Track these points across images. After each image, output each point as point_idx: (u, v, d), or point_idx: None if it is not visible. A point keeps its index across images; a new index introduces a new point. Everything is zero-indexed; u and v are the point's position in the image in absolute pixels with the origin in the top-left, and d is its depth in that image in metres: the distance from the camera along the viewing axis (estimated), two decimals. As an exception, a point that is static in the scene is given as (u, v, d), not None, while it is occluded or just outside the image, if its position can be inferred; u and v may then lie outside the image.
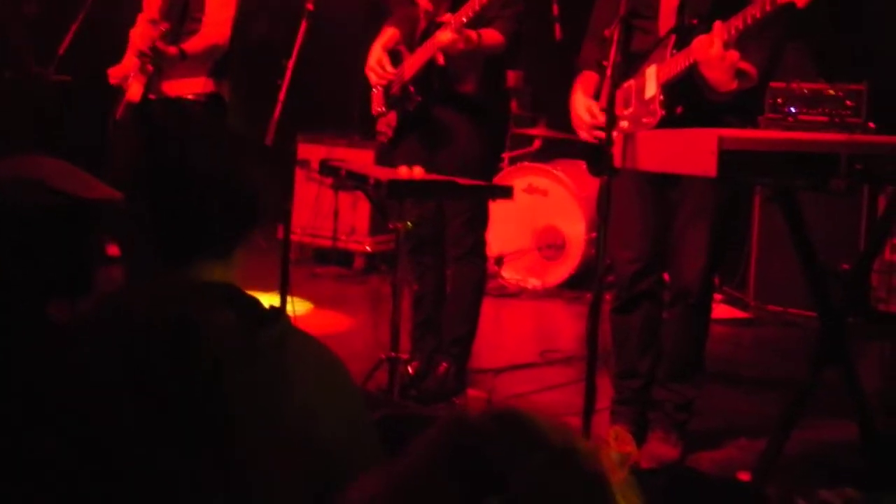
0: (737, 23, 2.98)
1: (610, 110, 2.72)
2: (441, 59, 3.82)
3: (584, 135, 3.39)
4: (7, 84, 5.21)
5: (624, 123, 3.20)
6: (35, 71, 4.21)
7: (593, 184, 4.46)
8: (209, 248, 1.60)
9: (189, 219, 1.60)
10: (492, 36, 3.80)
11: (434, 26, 3.81)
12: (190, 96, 4.47)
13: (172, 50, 4.37)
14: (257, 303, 1.55)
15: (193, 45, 4.43)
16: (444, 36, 3.66)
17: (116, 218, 1.73)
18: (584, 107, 3.41)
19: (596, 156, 3.10)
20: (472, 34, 3.68)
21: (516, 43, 3.91)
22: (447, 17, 3.69)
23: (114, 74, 4.58)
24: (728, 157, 2.42)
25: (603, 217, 2.64)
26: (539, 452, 1.01)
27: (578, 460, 1.02)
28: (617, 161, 2.76)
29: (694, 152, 2.50)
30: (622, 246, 3.45)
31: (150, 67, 4.44)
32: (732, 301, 5.75)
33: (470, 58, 3.79)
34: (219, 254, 1.61)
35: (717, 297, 5.42)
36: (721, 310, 5.46)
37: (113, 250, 1.76)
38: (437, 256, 4.12)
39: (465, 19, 3.60)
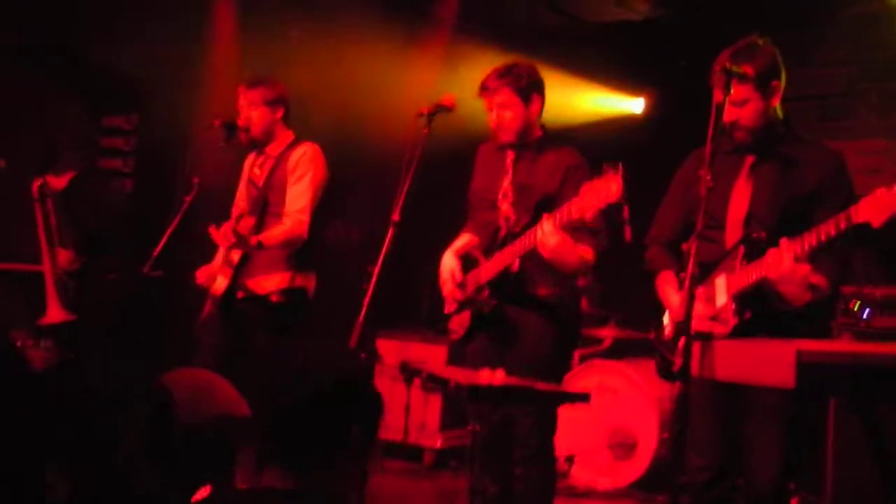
0: (811, 239, 3.05)
1: (687, 321, 2.79)
2: (516, 266, 3.94)
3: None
4: (112, 285, 5.49)
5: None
6: (139, 271, 4.42)
7: (664, 383, 4.47)
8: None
9: None
10: (585, 251, 3.88)
11: (511, 236, 3.96)
12: (273, 295, 4.57)
13: (252, 239, 4.45)
14: None
15: (269, 236, 4.51)
16: (546, 226, 3.65)
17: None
18: (677, 301, 3.38)
19: (668, 362, 3.14)
20: (568, 235, 3.69)
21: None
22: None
23: (201, 275, 4.72)
24: (806, 370, 2.46)
25: (680, 428, 2.67)
26: None
27: None
28: (694, 370, 2.80)
29: (771, 364, 2.53)
30: (694, 452, 3.42)
31: (232, 257, 4.56)
32: (809, 506, 5.59)
33: (545, 264, 3.87)
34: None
35: (793, 501, 5.28)
36: (797, 516, 5.31)
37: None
38: (506, 456, 4.10)
39: (562, 221, 3.63)
